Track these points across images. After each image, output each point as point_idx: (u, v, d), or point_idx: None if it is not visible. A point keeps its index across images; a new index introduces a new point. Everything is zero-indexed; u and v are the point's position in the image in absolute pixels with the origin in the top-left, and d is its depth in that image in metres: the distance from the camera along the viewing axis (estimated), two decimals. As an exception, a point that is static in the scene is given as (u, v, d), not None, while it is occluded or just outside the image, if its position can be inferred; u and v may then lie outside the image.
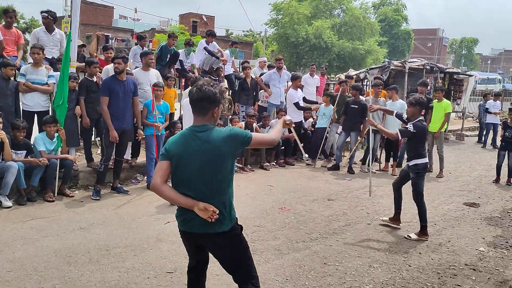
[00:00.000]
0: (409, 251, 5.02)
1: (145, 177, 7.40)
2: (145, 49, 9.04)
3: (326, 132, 9.53)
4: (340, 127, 9.34)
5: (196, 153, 2.73)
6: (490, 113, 13.42)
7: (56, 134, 6.43)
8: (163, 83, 7.45)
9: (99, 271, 4.15)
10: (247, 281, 2.90)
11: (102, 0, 44.08)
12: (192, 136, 2.76)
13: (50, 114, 6.71)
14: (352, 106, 8.98)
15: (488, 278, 4.44)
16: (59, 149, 6.49)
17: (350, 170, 8.97)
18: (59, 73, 6.59)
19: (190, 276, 3.16)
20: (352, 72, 14.50)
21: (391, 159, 9.42)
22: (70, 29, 7.10)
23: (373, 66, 13.99)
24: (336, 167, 9.13)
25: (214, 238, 2.83)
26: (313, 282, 4.16)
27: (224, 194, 2.81)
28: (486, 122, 13.73)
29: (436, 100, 9.39)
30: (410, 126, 5.49)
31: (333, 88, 13.38)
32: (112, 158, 6.71)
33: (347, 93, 9.72)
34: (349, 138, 9.26)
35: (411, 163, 5.58)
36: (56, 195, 6.28)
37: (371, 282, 4.22)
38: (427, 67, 13.79)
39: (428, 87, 11.84)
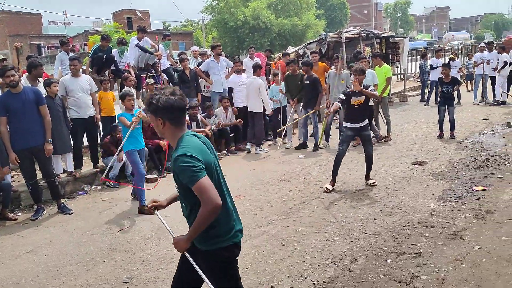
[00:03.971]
0: (364, 219, 5.10)
1: (92, 187, 7.18)
2: (71, 54, 8.62)
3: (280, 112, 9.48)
4: (301, 105, 9.22)
5: None
6: (434, 68, 13.66)
7: (-12, 157, 6.02)
8: (133, 92, 6.52)
9: (50, 294, 3.95)
10: None
11: (28, 8, 41.86)
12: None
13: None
14: (305, 82, 8.88)
15: (440, 233, 4.58)
16: (-6, 172, 6.09)
17: (304, 146, 8.99)
18: None
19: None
20: (291, 49, 14.49)
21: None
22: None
23: (311, 41, 14.08)
24: (304, 145, 9.07)
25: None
26: (273, 266, 4.14)
27: (188, 218, 2.61)
28: (431, 80, 14.13)
29: (378, 66, 9.53)
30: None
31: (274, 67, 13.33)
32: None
33: (298, 72, 9.49)
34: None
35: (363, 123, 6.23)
36: (-2, 221, 5.93)
37: (330, 256, 4.25)
38: (363, 34, 14.01)
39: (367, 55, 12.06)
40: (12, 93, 5.77)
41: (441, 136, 9.00)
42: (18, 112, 5.74)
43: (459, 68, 14.16)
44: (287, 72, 9.45)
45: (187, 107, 9.06)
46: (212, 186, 2.40)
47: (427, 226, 4.77)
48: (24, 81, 6.91)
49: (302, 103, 9.05)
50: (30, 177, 6.04)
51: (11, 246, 5.10)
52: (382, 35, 15.55)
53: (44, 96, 6.60)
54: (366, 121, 6.37)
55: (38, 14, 50.35)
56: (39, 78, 7.00)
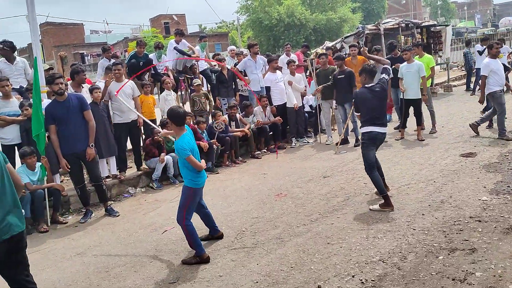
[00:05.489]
0: (412, 215, 4.92)
1: (137, 189, 7.35)
2: (113, 60, 8.83)
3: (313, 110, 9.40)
4: (334, 102, 9.08)
5: None
6: (481, 53, 13.15)
7: (38, 164, 6.26)
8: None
9: (101, 295, 4.05)
10: None
11: (70, 19, 43.53)
12: None
13: (25, 145, 6.47)
14: (339, 77, 8.71)
15: (495, 227, 4.35)
16: (45, 178, 6.32)
17: (345, 141, 8.83)
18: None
19: None
20: (328, 44, 14.27)
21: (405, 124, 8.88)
22: (35, 55, 6.84)
23: (348, 34, 13.81)
24: (345, 141, 8.86)
25: None
26: (319, 265, 4.06)
27: None
28: (476, 67, 13.57)
29: (417, 56, 9.23)
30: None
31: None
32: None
33: (329, 66, 9.41)
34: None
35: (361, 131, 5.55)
36: (49, 224, 6.14)
37: (377, 253, 4.12)
38: (402, 24, 13.63)
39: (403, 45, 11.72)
40: (58, 101, 5.98)
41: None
42: (64, 119, 5.95)
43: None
44: (319, 67, 9.38)
45: (227, 107, 9.12)
46: None
47: (480, 221, 4.54)
48: (70, 89, 7.15)
49: (336, 98, 8.89)
50: (78, 181, 6.24)
51: (62, 249, 5.28)
52: (423, 24, 15.04)
53: (90, 102, 6.82)
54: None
55: (80, 25, 52.28)
56: (82, 85, 7.20)
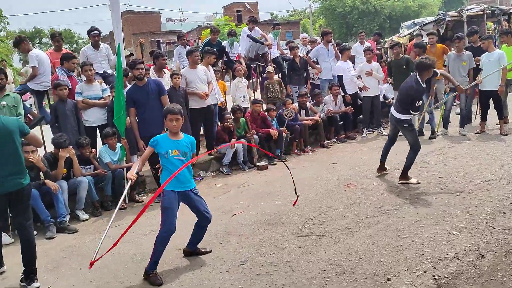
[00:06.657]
0: (491, 212, 4.65)
1: (207, 173, 7.56)
2: (188, 47, 9.10)
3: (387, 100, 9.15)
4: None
5: None
6: None
7: (119, 145, 6.65)
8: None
9: (174, 271, 4.25)
10: None
11: (147, 7, 45.36)
12: None
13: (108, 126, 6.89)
14: None
15: None
16: (124, 158, 6.71)
17: (420, 133, 8.47)
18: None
19: None
20: (405, 31, 13.67)
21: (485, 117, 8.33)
22: (119, 41, 7.23)
23: (427, 21, 13.08)
24: (420, 132, 8.48)
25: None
26: (389, 257, 3.97)
27: None
28: None
29: (505, 44, 8.61)
30: None
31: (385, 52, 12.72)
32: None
33: (402, 56, 9.09)
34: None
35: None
36: (127, 202, 6.52)
37: (452, 250, 3.95)
38: (487, 11, 12.74)
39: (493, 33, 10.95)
40: (138, 86, 6.31)
41: None
42: (142, 103, 6.29)
43: None
44: (391, 57, 9.09)
45: (297, 95, 9.11)
46: None
47: None
48: (152, 73, 7.49)
49: None
50: (153, 163, 6.54)
51: (138, 226, 5.57)
52: (511, 10, 13.94)
53: (170, 87, 7.10)
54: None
55: (157, 13, 54.34)
56: (164, 70, 7.50)
